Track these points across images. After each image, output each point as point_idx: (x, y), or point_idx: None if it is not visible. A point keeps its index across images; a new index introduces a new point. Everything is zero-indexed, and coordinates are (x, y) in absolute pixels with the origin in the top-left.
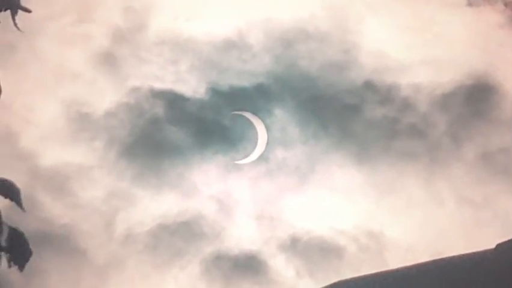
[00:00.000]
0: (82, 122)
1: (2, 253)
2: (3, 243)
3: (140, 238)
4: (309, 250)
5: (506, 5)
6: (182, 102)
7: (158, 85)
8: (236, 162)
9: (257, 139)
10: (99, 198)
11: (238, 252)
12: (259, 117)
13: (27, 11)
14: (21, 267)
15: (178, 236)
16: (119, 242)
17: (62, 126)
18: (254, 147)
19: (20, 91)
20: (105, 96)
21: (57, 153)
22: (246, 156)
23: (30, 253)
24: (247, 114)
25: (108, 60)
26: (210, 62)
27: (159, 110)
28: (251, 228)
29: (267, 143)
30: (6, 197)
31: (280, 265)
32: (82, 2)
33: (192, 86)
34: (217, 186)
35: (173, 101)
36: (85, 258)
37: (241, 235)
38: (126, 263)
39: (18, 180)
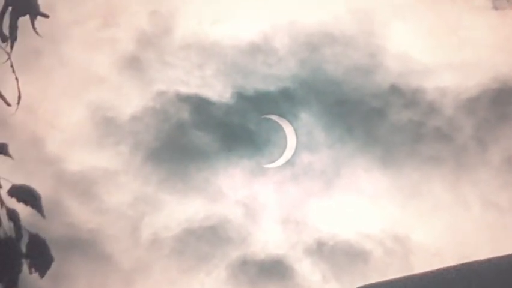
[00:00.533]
0: (107, 127)
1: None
2: (24, 250)
3: (166, 243)
4: (335, 254)
5: None
6: (208, 106)
7: (184, 89)
8: (265, 166)
9: (284, 143)
10: (125, 203)
11: (265, 257)
12: (288, 121)
13: (45, 16)
14: (42, 274)
15: (204, 240)
16: (146, 246)
17: (87, 131)
18: (280, 152)
19: (45, 96)
20: (131, 101)
21: (83, 158)
22: (272, 160)
23: (51, 259)
24: (276, 118)
25: (134, 65)
26: (236, 66)
27: (185, 114)
28: (277, 233)
29: (288, 148)
30: (26, 204)
31: (307, 269)
32: (107, 6)
33: (217, 90)
34: (243, 190)
35: (199, 105)
36: (111, 263)
37: (267, 239)
38: (152, 267)
39: (44, 185)
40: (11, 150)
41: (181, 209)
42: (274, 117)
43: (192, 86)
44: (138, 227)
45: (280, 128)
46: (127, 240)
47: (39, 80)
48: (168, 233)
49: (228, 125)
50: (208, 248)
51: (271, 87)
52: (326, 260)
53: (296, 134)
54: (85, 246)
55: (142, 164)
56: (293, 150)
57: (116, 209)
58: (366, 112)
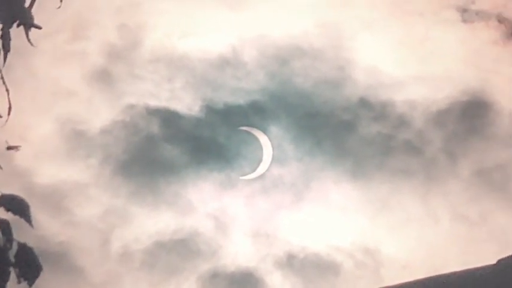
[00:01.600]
0: (77, 140)
1: (11, 268)
2: (12, 259)
3: (136, 256)
4: (305, 267)
5: (500, 21)
6: (177, 119)
7: (154, 102)
8: (241, 177)
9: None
10: (95, 215)
11: (235, 270)
12: (263, 132)
13: (39, 27)
14: (30, 283)
15: (174, 253)
16: (116, 259)
17: (57, 144)
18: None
19: (15, 109)
20: (100, 114)
21: (53, 171)
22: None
23: (40, 268)
24: (250, 130)
25: (103, 78)
26: (205, 79)
27: (154, 127)
28: (247, 246)
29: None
30: (15, 214)
31: (277, 282)
32: (77, 19)
33: (186, 103)
34: (213, 203)
35: (168, 118)
36: (82, 276)
37: (238, 252)
38: (123, 280)
39: None
40: None
41: (151, 222)
42: (248, 129)
43: (161, 99)
44: (108, 240)
45: (252, 140)
46: (98, 253)
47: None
48: (138, 245)
49: (197, 138)
50: (179, 260)
51: (241, 100)
52: (296, 273)
53: (272, 145)
54: (56, 259)
55: (112, 176)
56: (269, 161)
57: (86, 222)
58: (335, 125)
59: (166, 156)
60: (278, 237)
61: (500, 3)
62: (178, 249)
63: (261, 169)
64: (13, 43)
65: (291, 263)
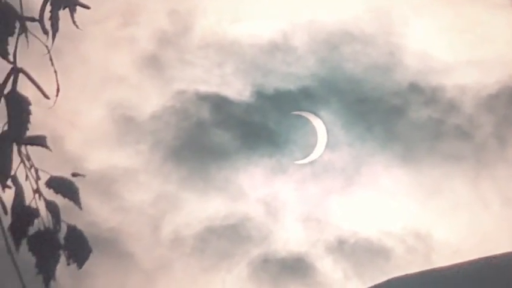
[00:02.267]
0: (127, 126)
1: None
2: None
3: (187, 241)
4: (356, 252)
5: None
6: (227, 105)
7: (204, 88)
8: (296, 162)
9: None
10: (146, 201)
11: (286, 255)
12: (319, 117)
13: (86, 7)
14: (80, 265)
15: (225, 239)
16: (167, 245)
17: (107, 129)
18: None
19: (65, 95)
20: (150, 100)
21: (103, 156)
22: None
23: (89, 251)
24: (306, 114)
25: (153, 64)
26: (255, 64)
27: (205, 113)
28: (298, 231)
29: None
30: (65, 196)
31: (328, 267)
32: (127, 5)
33: (236, 88)
34: (264, 189)
35: (218, 104)
36: (132, 262)
37: (289, 237)
38: (173, 266)
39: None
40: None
41: (202, 207)
42: (301, 113)
43: (211, 84)
44: (159, 226)
45: (304, 125)
46: (148, 238)
47: (59, 78)
48: (189, 231)
49: (248, 123)
50: (229, 246)
51: (291, 85)
52: (347, 258)
53: (327, 129)
54: (106, 244)
55: (162, 162)
56: (323, 146)
57: (136, 208)
58: (385, 110)
59: (217, 142)
60: (329, 223)
61: None
62: (229, 235)
63: (315, 154)
64: (63, 29)
65: (341, 248)
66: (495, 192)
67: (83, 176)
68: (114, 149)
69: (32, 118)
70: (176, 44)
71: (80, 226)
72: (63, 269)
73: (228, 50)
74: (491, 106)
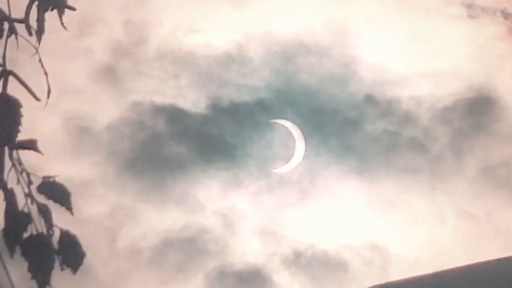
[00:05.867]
0: (82, 137)
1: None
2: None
3: (144, 253)
4: (313, 265)
5: (505, 17)
6: (183, 117)
7: (160, 99)
8: (274, 170)
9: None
10: (102, 213)
11: (243, 268)
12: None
13: (73, 9)
14: (74, 270)
15: (182, 251)
16: (124, 257)
17: (62, 140)
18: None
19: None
20: (106, 111)
21: (59, 167)
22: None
23: (83, 255)
24: (285, 122)
25: (109, 75)
26: (210, 76)
27: (161, 124)
28: (255, 244)
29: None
30: (56, 202)
31: (285, 280)
32: (82, 16)
33: (192, 100)
34: (221, 201)
35: (174, 115)
36: (89, 274)
37: (245, 250)
38: (130, 278)
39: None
40: None
41: (158, 219)
42: (282, 122)
43: (167, 96)
44: (116, 238)
45: (261, 137)
46: (105, 251)
47: (14, 88)
48: (146, 243)
49: (204, 135)
50: (186, 258)
51: (246, 97)
52: (304, 271)
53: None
54: None
55: (119, 174)
56: (302, 154)
57: (93, 220)
58: (341, 122)
59: (173, 154)
60: (285, 235)
61: None
62: (186, 247)
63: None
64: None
65: (298, 260)
66: (451, 204)
67: (54, 178)
68: (69, 161)
69: None
70: (132, 55)
71: None
72: (20, 283)
73: (183, 61)
74: (447, 118)
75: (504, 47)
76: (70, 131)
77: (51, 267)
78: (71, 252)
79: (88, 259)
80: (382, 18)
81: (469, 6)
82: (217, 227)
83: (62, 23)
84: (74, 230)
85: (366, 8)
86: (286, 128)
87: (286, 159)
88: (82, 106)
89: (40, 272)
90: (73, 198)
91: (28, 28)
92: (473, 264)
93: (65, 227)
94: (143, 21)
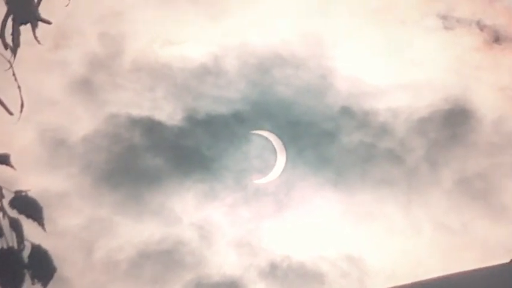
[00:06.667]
0: (58, 149)
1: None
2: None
3: (121, 266)
4: (289, 276)
5: (480, 28)
6: (159, 129)
7: (136, 112)
8: (255, 181)
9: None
10: (78, 225)
11: (219, 279)
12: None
13: (48, 22)
14: (44, 284)
15: (159, 263)
16: (100, 269)
17: (38, 153)
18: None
19: None
20: (82, 123)
21: (34, 179)
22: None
23: (54, 270)
24: (266, 134)
25: (84, 87)
26: (186, 88)
27: (137, 137)
28: (231, 255)
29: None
30: (28, 217)
31: None
32: (58, 28)
33: (168, 112)
34: (197, 213)
35: (150, 128)
36: (66, 286)
37: (222, 262)
38: None
39: None
40: None
41: (135, 231)
42: (263, 133)
43: (143, 108)
44: (92, 250)
45: (237, 149)
46: (82, 263)
47: None
48: (123, 255)
49: (180, 147)
50: (163, 270)
51: (223, 109)
52: (281, 283)
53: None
54: None
55: (95, 186)
56: (283, 165)
57: (69, 232)
58: (317, 134)
59: (150, 166)
60: (261, 247)
61: (479, 10)
62: (162, 259)
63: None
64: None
65: (274, 272)
66: (427, 216)
67: (27, 192)
68: (45, 173)
69: None
70: (107, 67)
71: None
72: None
73: (159, 74)
74: (423, 130)
75: (480, 59)
76: (45, 143)
77: (22, 281)
78: (42, 267)
79: (65, 271)
80: (358, 30)
81: (444, 17)
82: (193, 239)
83: (35, 37)
84: (50, 242)
85: (343, 20)
86: (265, 139)
87: (264, 171)
88: (57, 118)
89: (10, 285)
90: (48, 211)
91: (4, 42)
92: (449, 275)
93: (40, 239)
94: (120, 33)
